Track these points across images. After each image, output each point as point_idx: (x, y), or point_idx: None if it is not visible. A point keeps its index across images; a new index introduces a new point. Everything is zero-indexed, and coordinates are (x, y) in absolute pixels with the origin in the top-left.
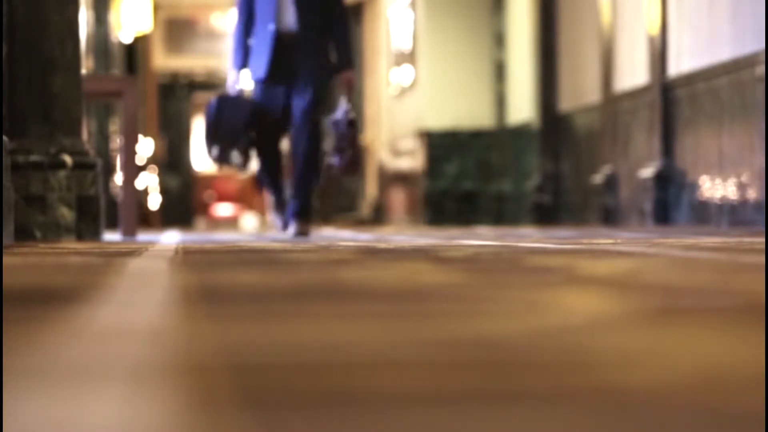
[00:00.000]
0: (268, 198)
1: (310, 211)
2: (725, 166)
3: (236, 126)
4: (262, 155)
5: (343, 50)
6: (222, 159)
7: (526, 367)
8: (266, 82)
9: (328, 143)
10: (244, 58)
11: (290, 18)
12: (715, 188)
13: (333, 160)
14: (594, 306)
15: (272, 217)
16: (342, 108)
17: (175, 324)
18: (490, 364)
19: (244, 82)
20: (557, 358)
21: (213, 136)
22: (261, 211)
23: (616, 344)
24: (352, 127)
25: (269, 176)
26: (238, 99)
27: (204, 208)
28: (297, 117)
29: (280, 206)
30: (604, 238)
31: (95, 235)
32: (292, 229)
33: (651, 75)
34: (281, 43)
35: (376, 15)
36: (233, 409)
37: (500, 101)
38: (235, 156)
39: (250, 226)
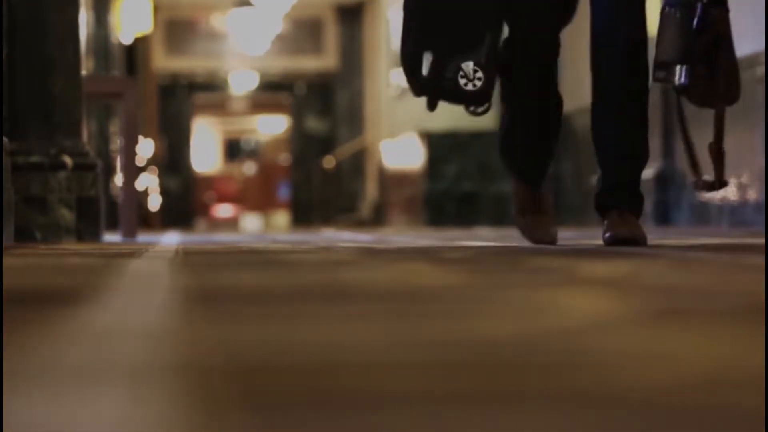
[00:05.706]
0: (517, 182)
1: (640, 193)
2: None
3: (476, 9)
4: (513, 90)
5: None
6: (436, 86)
7: (526, 369)
8: None
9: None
10: None
11: None
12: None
13: (679, 77)
14: (594, 307)
15: (518, 221)
16: None
17: (175, 325)
18: (491, 365)
19: None
20: (557, 359)
21: (426, 34)
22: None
23: (616, 345)
24: (720, 4)
25: (526, 133)
26: None
27: (204, 210)
28: (607, 13)
29: (533, 188)
30: None
31: (95, 237)
32: (608, 232)
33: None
34: None
35: (376, 16)
36: (233, 409)
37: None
38: (471, 76)
39: (253, 227)
